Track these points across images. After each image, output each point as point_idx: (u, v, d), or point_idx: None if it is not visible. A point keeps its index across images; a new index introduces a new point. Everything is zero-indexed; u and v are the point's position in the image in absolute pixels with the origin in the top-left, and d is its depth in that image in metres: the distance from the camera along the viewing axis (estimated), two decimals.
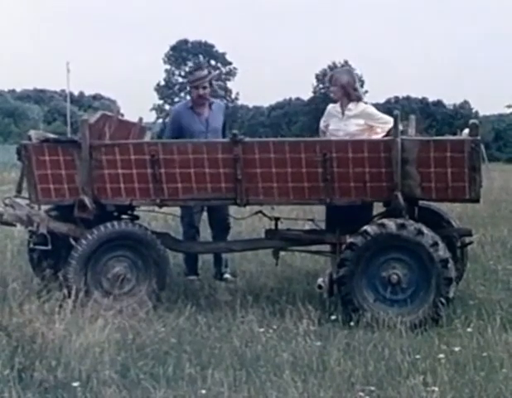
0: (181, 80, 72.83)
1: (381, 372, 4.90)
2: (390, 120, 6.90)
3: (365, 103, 7.38)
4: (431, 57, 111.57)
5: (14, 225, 7.15)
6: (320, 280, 6.65)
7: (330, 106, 7.28)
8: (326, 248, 7.11)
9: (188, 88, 7.90)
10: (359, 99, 7.11)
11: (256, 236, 7.78)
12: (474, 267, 8.06)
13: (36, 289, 6.48)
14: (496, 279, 7.78)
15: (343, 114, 7.07)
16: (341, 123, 7.02)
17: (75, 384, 4.61)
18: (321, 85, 64.53)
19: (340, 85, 7.06)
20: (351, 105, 7.04)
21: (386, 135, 6.79)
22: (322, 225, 7.00)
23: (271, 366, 5.00)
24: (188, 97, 8.11)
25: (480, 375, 4.78)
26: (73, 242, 6.67)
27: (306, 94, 69.74)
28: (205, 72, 7.83)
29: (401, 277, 6.24)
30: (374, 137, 6.84)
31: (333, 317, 6.15)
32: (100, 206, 6.70)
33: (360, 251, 6.24)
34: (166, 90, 72.30)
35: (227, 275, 7.86)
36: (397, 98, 68.76)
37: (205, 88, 7.68)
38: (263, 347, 5.39)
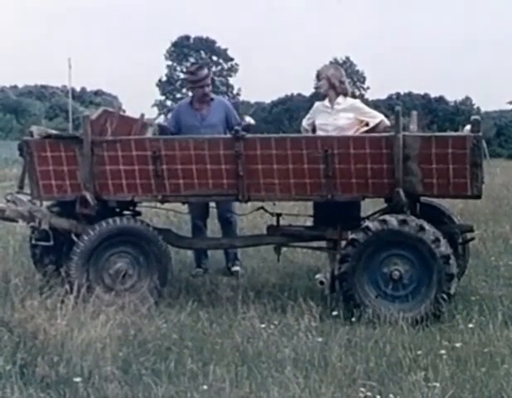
0: (182, 75, 72.79)
1: (382, 368, 4.91)
2: (378, 115, 7.03)
3: (354, 98, 7.42)
4: (432, 53, 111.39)
5: (16, 221, 7.16)
6: (319, 276, 6.66)
7: (318, 103, 7.29)
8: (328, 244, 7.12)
9: (189, 87, 7.97)
10: (345, 92, 7.14)
11: (258, 232, 7.79)
12: (475, 263, 8.07)
13: (38, 285, 6.49)
14: (498, 275, 7.79)
15: (332, 108, 7.08)
16: (331, 118, 7.03)
17: (77, 379, 4.62)
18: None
19: (325, 78, 7.09)
20: (340, 99, 7.07)
21: (372, 129, 6.83)
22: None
23: (272, 361, 5.01)
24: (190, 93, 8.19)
25: (482, 371, 4.79)
26: (75, 238, 6.68)
27: (308, 91, 69.75)
28: (206, 71, 7.97)
29: (402, 273, 6.25)
30: (363, 130, 6.87)
31: (335, 313, 6.15)
32: (102, 202, 6.71)
33: (362, 247, 6.24)
34: (167, 86, 72.28)
35: (236, 268, 7.92)
36: (398, 94, 68.74)
37: (208, 86, 7.86)
38: (264, 343, 5.40)
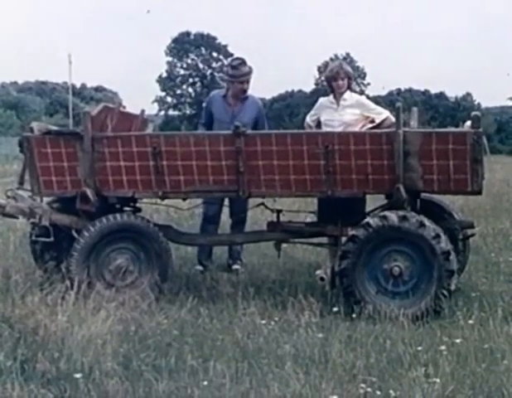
0: (182, 72, 72.79)
1: (383, 364, 4.91)
2: (384, 111, 7.06)
3: (360, 94, 7.46)
4: (433, 49, 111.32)
5: (16, 218, 7.18)
6: (319, 272, 6.67)
7: (323, 99, 7.31)
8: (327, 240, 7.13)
9: (229, 81, 7.85)
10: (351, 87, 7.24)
11: (258, 228, 7.79)
12: (476, 259, 8.07)
13: (38, 281, 6.50)
14: (498, 271, 7.79)
15: (338, 104, 7.09)
16: (336, 114, 7.06)
17: (78, 375, 4.62)
18: (322, 78, 64.52)
19: (349, 77, 7.14)
20: (346, 95, 7.10)
21: (378, 126, 6.84)
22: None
23: (273, 357, 5.01)
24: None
25: (482, 366, 4.78)
26: (75, 234, 6.68)
27: (309, 87, 69.80)
28: (248, 68, 7.78)
29: (403, 269, 6.25)
30: (368, 126, 6.88)
31: (335, 309, 6.16)
32: (102, 198, 6.71)
33: (362, 243, 6.24)
34: (168, 82, 72.24)
35: (236, 266, 7.92)
36: (399, 90, 68.77)
37: (248, 82, 7.75)
38: (264, 339, 5.40)
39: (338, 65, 7.35)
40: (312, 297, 6.18)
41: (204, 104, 8.25)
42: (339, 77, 7.12)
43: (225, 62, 72.24)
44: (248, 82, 7.75)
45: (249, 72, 7.76)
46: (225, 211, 8.08)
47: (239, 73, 7.72)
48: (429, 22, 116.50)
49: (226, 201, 7.90)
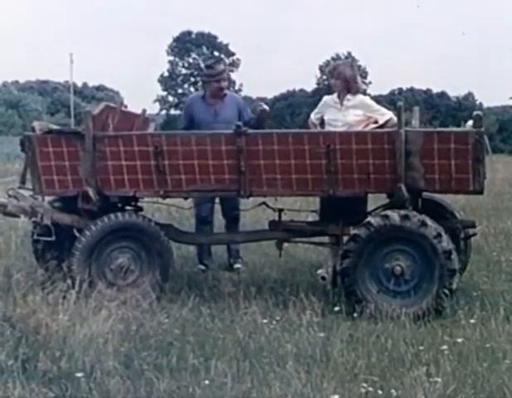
0: (184, 71, 72.79)
1: (384, 363, 4.91)
2: (387, 112, 7.02)
3: (364, 94, 7.42)
4: (435, 48, 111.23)
5: (18, 217, 7.17)
6: (321, 271, 6.66)
7: (327, 97, 7.28)
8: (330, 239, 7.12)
9: (205, 81, 7.97)
10: (356, 90, 7.14)
11: (259, 228, 7.79)
12: (477, 258, 8.06)
13: (39, 280, 6.49)
14: (500, 270, 7.78)
15: (341, 104, 7.08)
16: (340, 114, 7.04)
17: (79, 374, 4.62)
18: (324, 77, 64.58)
19: (343, 79, 7.07)
20: (350, 96, 7.07)
21: (381, 127, 6.83)
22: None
23: (274, 357, 5.01)
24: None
25: (483, 366, 4.78)
26: (77, 233, 6.68)
27: (310, 86, 69.81)
28: (223, 66, 7.96)
29: (404, 268, 6.25)
30: (371, 127, 6.87)
31: (336, 309, 6.15)
32: (104, 197, 6.71)
33: (364, 243, 6.24)
34: (169, 82, 72.24)
35: (238, 265, 7.94)
36: (400, 89, 68.79)
37: (224, 80, 7.89)
38: (266, 339, 5.40)
39: (334, 64, 7.39)
40: (314, 296, 6.17)
41: (183, 108, 8.32)
42: (332, 76, 7.15)
43: (226, 61, 72.38)
44: (224, 80, 7.88)
45: (224, 70, 7.91)
46: (217, 208, 8.07)
47: (215, 72, 7.85)
48: (431, 21, 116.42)
49: (217, 200, 7.88)
